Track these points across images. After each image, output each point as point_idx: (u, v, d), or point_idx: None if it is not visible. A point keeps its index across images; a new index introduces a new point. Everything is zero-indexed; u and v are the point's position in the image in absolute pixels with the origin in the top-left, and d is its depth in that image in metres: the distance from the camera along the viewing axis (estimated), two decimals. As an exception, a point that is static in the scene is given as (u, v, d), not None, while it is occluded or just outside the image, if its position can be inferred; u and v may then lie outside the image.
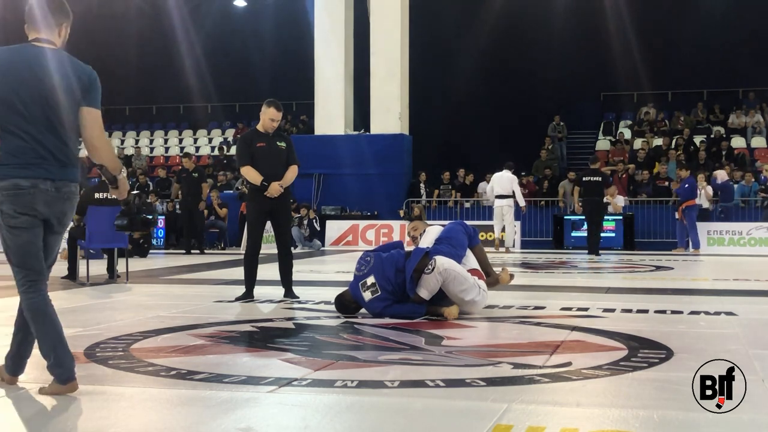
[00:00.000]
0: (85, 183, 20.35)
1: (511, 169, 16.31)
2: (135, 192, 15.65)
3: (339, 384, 3.82)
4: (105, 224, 9.17)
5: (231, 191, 19.07)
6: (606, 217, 16.18)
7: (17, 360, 3.82)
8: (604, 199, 15.61)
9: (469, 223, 7.18)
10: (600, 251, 15.12)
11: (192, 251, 15.27)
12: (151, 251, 16.19)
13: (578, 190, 15.55)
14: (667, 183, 18.11)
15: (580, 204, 15.52)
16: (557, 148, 21.25)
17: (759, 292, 8.56)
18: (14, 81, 3.56)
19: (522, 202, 16.28)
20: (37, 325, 3.64)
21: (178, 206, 18.27)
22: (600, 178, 15.12)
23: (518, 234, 17.17)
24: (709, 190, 16.76)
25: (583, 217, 15.85)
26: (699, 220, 16.05)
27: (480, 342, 5.28)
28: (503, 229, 16.18)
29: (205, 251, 15.56)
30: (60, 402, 3.57)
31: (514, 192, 16.05)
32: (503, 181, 16.04)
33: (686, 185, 15.75)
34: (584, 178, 15.25)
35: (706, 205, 16.69)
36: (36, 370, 4.24)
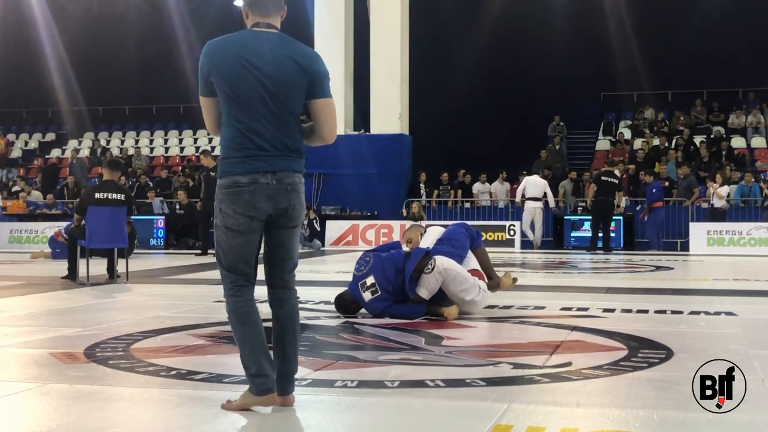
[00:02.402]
0: (84, 183, 20.40)
1: (542, 174, 17.63)
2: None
3: (339, 384, 3.82)
4: (105, 224, 9.18)
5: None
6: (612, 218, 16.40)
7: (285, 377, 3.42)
8: (615, 202, 16.02)
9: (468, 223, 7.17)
10: (597, 249, 15.68)
11: (209, 252, 14.86)
12: (151, 251, 16.19)
13: (593, 188, 16.06)
14: (667, 183, 18.11)
15: (591, 201, 16.08)
16: (564, 148, 21.17)
17: (759, 292, 8.56)
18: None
19: (553, 204, 17.41)
20: (240, 332, 3.32)
21: (179, 206, 18.28)
22: (616, 181, 15.99)
23: (518, 234, 17.20)
24: (721, 190, 16.93)
25: (585, 217, 16.20)
26: (712, 219, 16.70)
27: (480, 342, 5.28)
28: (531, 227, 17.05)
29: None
30: (61, 402, 3.57)
31: (546, 194, 17.04)
32: (537, 185, 16.94)
33: (653, 189, 16.27)
34: (602, 178, 15.94)
35: (718, 204, 16.86)
36: (37, 369, 4.24)
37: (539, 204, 16.93)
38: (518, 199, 17.35)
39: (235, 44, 3.34)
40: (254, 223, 3.30)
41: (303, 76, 3.36)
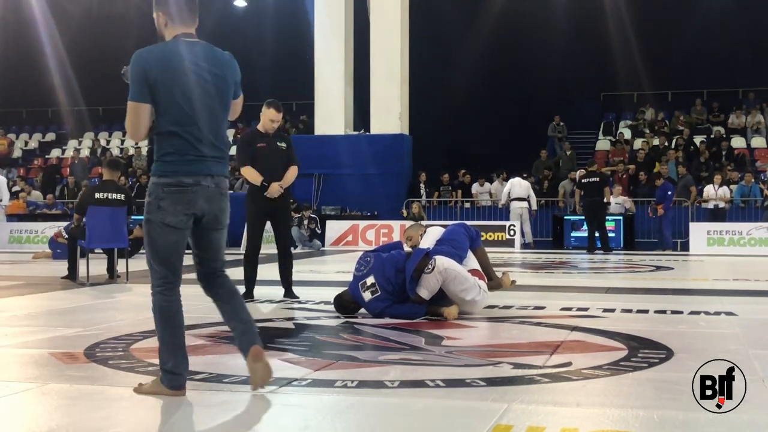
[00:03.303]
0: (85, 183, 20.39)
1: (526, 177, 18.19)
2: None
3: (339, 384, 3.82)
4: (105, 224, 9.18)
5: (231, 191, 19.05)
6: (606, 217, 16.50)
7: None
8: (605, 200, 16.16)
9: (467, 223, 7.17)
10: (596, 249, 15.79)
11: None
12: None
13: (579, 192, 16.51)
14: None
15: (581, 206, 16.43)
16: (575, 155, 21.06)
17: (759, 292, 8.55)
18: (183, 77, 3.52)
19: (534, 206, 17.78)
20: (162, 329, 3.56)
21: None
22: (598, 179, 16.12)
23: (518, 234, 17.22)
24: (722, 191, 16.96)
25: (584, 217, 16.35)
26: (712, 219, 16.79)
27: (480, 342, 5.28)
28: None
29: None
30: (61, 402, 3.57)
31: (529, 196, 17.63)
32: (522, 186, 17.57)
33: (669, 192, 16.41)
34: (583, 180, 16.27)
35: (722, 205, 16.89)
36: (37, 369, 4.24)
37: (525, 204, 17.45)
38: (503, 201, 17.80)
39: (177, 54, 3.53)
40: (190, 221, 3.55)
41: (232, 82, 3.69)
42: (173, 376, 3.53)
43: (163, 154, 3.51)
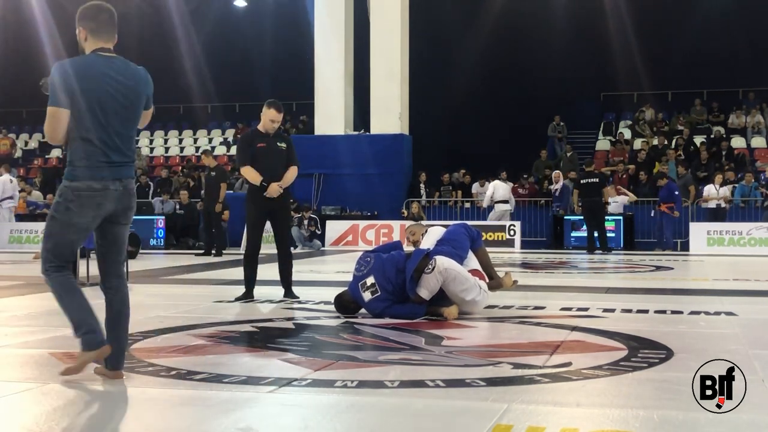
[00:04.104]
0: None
1: (506, 179, 18.45)
2: None
3: (339, 384, 3.82)
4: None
5: (231, 191, 19.03)
6: (606, 217, 16.58)
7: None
8: (603, 200, 16.33)
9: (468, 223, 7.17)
10: (595, 250, 15.83)
11: (212, 252, 14.47)
12: (151, 251, 16.19)
13: (577, 193, 16.55)
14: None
15: (579, 205, 16.46)
16: (576, 156, 21.04)
17: (759, 292, 8.56)
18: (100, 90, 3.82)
19: (512, 208, 18.12)
20: (68, 300, 3.89)
21: (179, 206, 18.27)
22: (597, 179, 16.23)
23: (518, 234, 17.23)
24: (723, 191, 16.97)
25: (583, 217, 16.40)
26: (713, 219, 16.78)
27: (480, 342, 5.28)
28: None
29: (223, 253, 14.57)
30: (61, 402, 3.57)
31: (510, 198, 17.93)
32: (504, 188, 17.79)
33: (676, 192, 16.41)
34: (582, 181, 16.35)
35: (723, 204, 16.90)
36: (37, 369, 4.24)
37: (508, 206, 17.70)
38: (485, 204, 17.96)
39: (96, 66, 3.85)
40: (96, 222, 3.87)
41: (145, 93, 3.99)
42: (91, 335, 3.80)
43: (75, 159, 3.81)
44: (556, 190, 18.22)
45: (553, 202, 18.22)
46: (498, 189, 17.65)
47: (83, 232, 3.90)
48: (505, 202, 17.67)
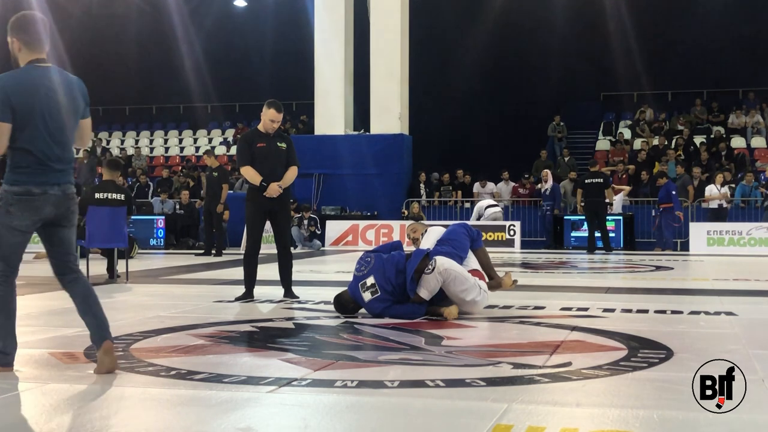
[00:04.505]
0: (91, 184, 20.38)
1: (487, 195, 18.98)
2: None
3: (339, 384, 3.82)
4: (105, 224, 9.18)
5: (231, 191, 19.03)
6: (607, 217, 16.51)
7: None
8: (606, 200, 16.31)
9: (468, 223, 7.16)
10: (596, 249, 15.88)
11: (212, 252, 14.47)
12: (151, 251, 16.19)
13: (580, 192, 16.53)
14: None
15: (582, 205, 16.45)
16: (573, 161, 21.03)
17: (759, 292, 8.55)
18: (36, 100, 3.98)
19: (501, 207, 18.17)
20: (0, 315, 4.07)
21: (179, 206, 18.27)
22: (601, 180, 16.23)
23: (518, 234, 17.23)
24: (725, 190, 16.99)
25: (584, 217, 16.41)
26: (714, 219, 16.80)
27: (480, 342, 5.28)
28: None
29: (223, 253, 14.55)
30: (60, 402, 3.57)
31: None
32: (487, 199, 18.28)
33: (674, 191, 16.39)
34: (586, 181, 16.33)
35: (725, 204, 16.92)
36: (37, 369, 4.24)
37: (497, 208, 17.73)
38: (474, 219, 17.77)
39: (33, 78, 4.00)
40: (35, 226, 4.05)
41: (81, 101, 4.15)
42: (3, 355, 4.04)
43: (16, 165, 3.98)
44: (546, 189, 18.11)
45: (544, 201, 18.12)
46: (482, 204, 17.71)
47: (25, 235, 4.05)
48: (496, 205, 17.74)
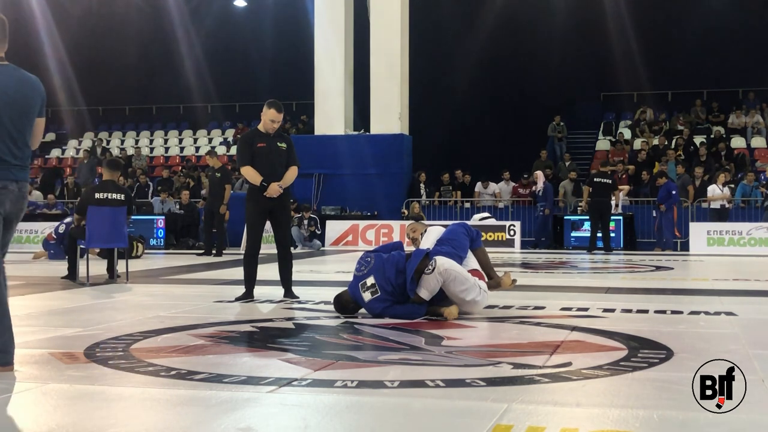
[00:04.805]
0: (91, 181, 20.40)
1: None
2: None
3: (339, 384, 3.82)
4: (105, 224, 9.18)
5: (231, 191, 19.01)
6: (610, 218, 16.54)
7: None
8: (613, 201, 16.36)
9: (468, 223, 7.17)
10: (596, 249, 15.85)
11: (212, 252, 14.43)
12: (151, 251, 16.19)
13: (587, 190, 16.39)
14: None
15: (587, 202, 16.32)
16: (574, 165, 20.99)
17: (759, 292, 8.55)
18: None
19: (492, 215, 18.20)
20: None
21: (179, 206, 18.26)
22: (610, 181, 16.25)
23: (518, 234, 17.24)
24: (726, 190, 16.99)
25: (585, 217, 16.41)
26: (716, 219, 16.75)
27: (480, 342, 5.28)
28: None
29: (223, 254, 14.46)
30: (60, 402, 3.57)
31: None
32: (480, 214, 18.26)
33: (674, 191, 16.38)
34: (596, 179, 16.20)
35: (727, 204, 16.92)
36: (37, 369, 4.24)
37: (491, 220, 17.54)
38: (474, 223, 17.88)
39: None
40: None
41: (38, 99, 4.21)
42: (2, 354, 4.04)
43: None
44: (539, 190, 18.03)
45: (537, 202, 18.06)
46: (476, 217, 17.46)
47: None
48: (489, 217, 17.74)
